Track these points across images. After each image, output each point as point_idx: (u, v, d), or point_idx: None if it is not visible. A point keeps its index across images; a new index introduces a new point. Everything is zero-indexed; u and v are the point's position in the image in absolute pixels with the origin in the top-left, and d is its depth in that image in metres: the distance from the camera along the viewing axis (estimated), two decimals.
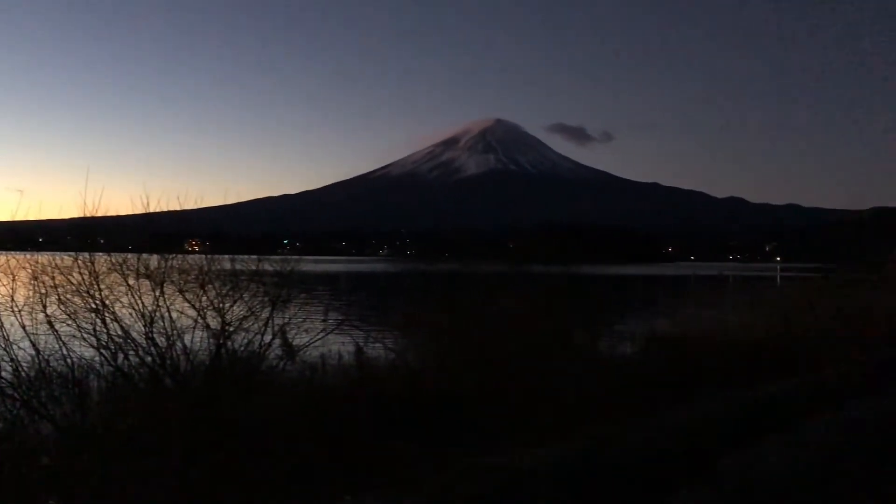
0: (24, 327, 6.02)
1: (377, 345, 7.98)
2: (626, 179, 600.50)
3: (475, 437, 5.86)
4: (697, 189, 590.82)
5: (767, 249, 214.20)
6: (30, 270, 6.50)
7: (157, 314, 6.22)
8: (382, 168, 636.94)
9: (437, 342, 7.76)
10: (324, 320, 7.35)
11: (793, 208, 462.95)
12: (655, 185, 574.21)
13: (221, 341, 6.29)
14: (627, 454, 4.90)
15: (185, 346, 6.24)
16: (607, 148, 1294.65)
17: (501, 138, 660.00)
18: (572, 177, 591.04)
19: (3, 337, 5.83)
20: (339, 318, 7.58)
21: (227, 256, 7.20)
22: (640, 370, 8.62)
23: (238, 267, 7.02)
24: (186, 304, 6.44)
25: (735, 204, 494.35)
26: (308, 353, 6.87)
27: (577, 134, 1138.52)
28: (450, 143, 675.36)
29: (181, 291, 6.49)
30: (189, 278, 6.59)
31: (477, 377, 6.82)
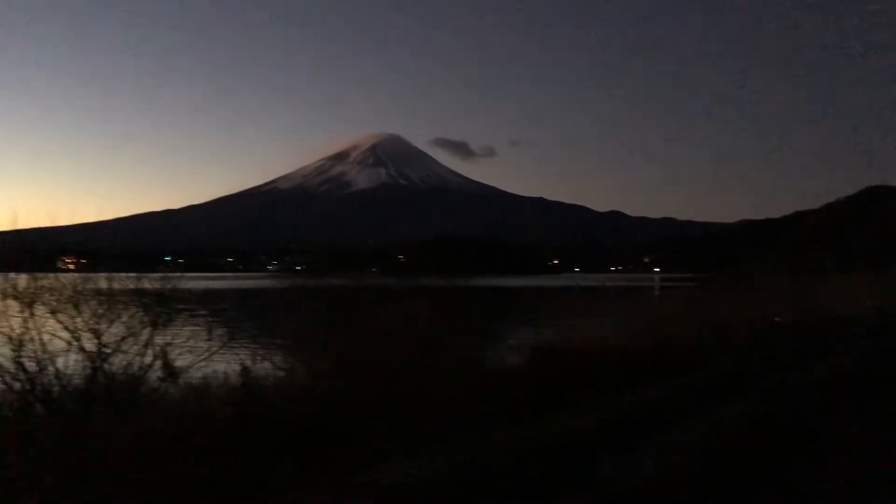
0: None
1: (265, 364, 7.83)
2: (511, 194, 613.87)
3: (364, 455, 5.85)
4: (580, 203, 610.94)
5: (646, 261, 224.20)
6: None
7: (27, 337, 5.90)
8: (270, 182, 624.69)
9: (324, 359, 7.70)
10: (208, 339, 7.15)
11: (668, 221, 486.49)
12: (540, 200, 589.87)
13: (97, 364, 6.03)
14: (510, 462, 5.04)
15: (57, 370, 5.94)
16: (491, 163, 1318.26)
17: (391, 153, 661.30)
18: (461, 191, 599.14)
19: None
20: (225, 337, 7.39)
21: (103, 274, 6.89)
22: (525, 380, 8.85)
23: (115, 286, 6.74)
24: (59, 326, 6.14)
25: (615, 217, 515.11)
26: (192, 374, 6.67)
27: (461, 149, 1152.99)
28: (340, 156, 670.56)
29: (53, 312, 6.19)
30: (62, 298, 6.28)
31: (365, 393, 6.82)
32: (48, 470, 4.80)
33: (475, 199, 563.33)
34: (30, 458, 4.96)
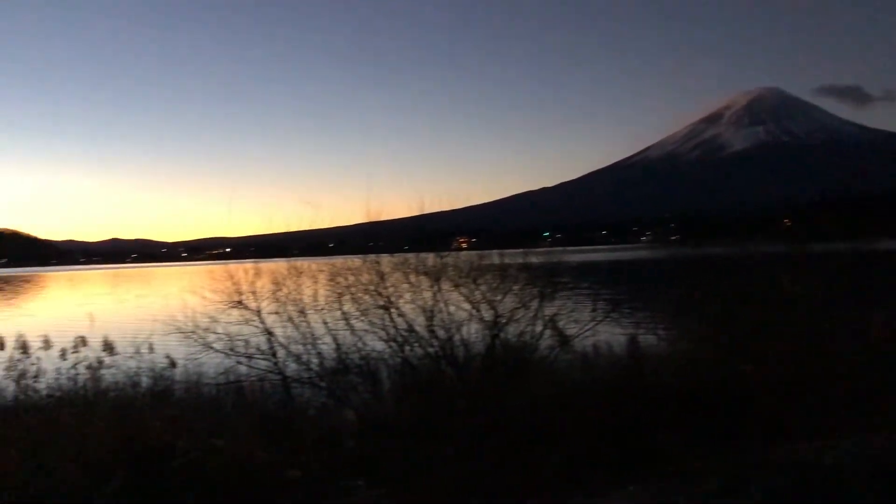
0: (325, 324, 6.81)
1: (648, 334, 7.85)
2: None
3: (754, 430, 5.53)
4: None
5: None
6: (326, 273, 7.34)
7: (436, 308, 6.68)
8: (640, 152, 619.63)
9: (709, 330, 7.43)
10: (593, 310, 7.37)
11: None
12: None
13: (495, 332, 6.60)
14: None
15: (462, 337, 6.64)
16: (894, 107, 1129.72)
17: (770, 108, 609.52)
18: (858, 142, 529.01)
19: (310, 333, 6.65)
20: (607, 307, 7.56)
21: (495, 251, 7.54)
22: None
23: (506, 261, 7.31)
24: (462, 298, 6.85)
25: None
26: (579, 342, 6.96)
27: (853, 94, 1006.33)
28: (712, 119, 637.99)
29: (456, 286, 6.91)
30: (462, 274, 6.99)
31: (753, 366, 6.42)
32: (460, 426, 5.39)
33: (876, 151, 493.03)
34: (446, 415, 5.63)
